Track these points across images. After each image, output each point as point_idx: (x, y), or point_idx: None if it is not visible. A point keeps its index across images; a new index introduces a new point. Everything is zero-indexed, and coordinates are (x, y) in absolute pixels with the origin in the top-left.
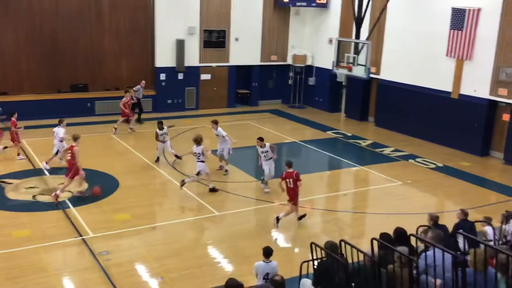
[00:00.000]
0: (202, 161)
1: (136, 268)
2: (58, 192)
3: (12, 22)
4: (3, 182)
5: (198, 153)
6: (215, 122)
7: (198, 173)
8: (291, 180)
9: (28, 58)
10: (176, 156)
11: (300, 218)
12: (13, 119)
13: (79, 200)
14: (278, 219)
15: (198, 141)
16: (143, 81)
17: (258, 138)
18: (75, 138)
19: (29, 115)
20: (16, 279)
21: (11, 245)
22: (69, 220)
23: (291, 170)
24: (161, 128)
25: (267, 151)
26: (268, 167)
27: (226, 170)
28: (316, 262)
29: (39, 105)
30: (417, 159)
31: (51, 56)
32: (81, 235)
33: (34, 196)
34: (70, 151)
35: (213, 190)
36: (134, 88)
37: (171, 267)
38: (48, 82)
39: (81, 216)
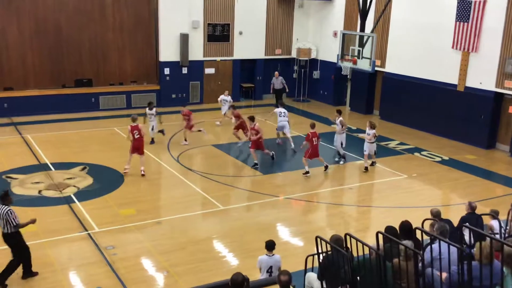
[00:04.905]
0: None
1: (141, 262)
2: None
3: (16, 15)
4: (9, 177)
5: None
6: (339, 112)
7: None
8: (316, 138)
9: (33, 52)
10: (160, 131)
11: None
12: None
13: (84, 194)
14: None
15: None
16: (276, 72)
17: (337, 110)
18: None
19: (34, 110)
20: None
21: None
22: (75, 214)
23: (314, 130)
24: (150, 109)
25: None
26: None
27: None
28: (321, 256)
29: (44, 100)
30: (423, 152)
31: (56, 50)
32: (86, 230)
33: (40, 191)
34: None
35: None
36: (272, 81)
37: (177, 261)
38: (52, 77)
39: (87, 210)
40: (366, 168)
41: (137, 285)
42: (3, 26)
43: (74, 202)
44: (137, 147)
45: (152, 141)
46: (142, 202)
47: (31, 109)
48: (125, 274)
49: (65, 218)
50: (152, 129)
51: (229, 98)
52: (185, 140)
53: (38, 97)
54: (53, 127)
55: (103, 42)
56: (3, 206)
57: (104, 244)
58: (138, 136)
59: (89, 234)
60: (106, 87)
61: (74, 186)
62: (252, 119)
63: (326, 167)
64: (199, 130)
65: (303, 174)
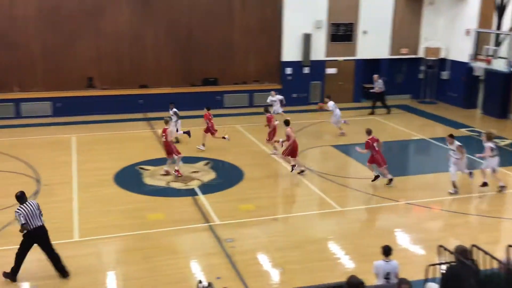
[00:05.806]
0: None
1: (258, 257)
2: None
3: (153, 18)
4: (142, 168)
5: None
6: (451, 136)
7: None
8: (377, 143)
9: (167, 53)
10: (185, 132)
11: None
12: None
13: (207, 188)
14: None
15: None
16: (375, 75)
17: (449, 135)
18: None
19: (166, 106)
20: (149, 258)
21: (147, 226)
22: (198, 207)
23: (372, 136)
24: (171, 109)
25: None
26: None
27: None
28: (444, 266)
29: (175, 97)
30: None
31: (186, 51)
32: (208, 222)
33: (168, 183)
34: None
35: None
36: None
37: (292, 259)
38: (182, 76)
39: (209, 203)
40: (484, 184)
41: (253, 278)
42: (141, 29)
43: (198, 194)
44: (165, 150)
45: (177, 141)
46: (261, 199)
47: (163, 105)
48: (243, 267)
49: (189, 209)
50: (177, 130)
51: (275, 98)
52: (203, 145)
53: (169, 95)
54: (182, 123)
55: (230, 43)
56: (29, 201)
57: (223, 237)
58: (164, 139)
59: (210, 226)
60: (231, 86)
61: (198, 179)
62: (286, 123)
63: (390, 180)
64: (223, 137)
65: (372, 181)
